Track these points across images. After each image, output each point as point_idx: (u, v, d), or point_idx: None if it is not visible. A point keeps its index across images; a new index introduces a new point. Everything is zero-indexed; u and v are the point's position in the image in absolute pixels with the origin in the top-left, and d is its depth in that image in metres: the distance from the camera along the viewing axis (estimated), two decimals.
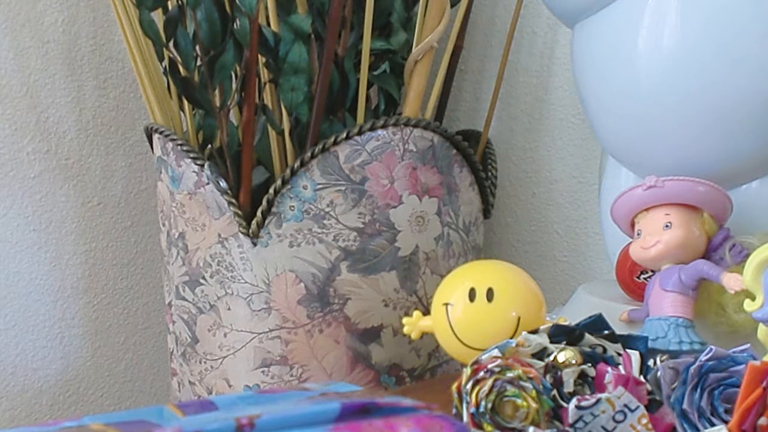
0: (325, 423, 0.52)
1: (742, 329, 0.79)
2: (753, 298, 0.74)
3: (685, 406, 0.65)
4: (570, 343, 0.72)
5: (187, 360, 1.04)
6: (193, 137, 1.05)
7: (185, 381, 1.05)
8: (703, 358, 0.66)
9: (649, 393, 0.67)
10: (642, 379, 0.68)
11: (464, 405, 0.67)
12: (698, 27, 0.85)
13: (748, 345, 0.67)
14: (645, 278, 0.87)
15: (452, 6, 1.03)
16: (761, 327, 0.74)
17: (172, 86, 1.05)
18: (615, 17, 0.89)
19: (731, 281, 0.76)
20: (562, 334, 0.72)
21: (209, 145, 1.03)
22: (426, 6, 1.00)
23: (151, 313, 1.29)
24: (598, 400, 0.64)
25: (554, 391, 0.69)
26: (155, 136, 1.05)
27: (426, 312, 0.84)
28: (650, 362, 0.70)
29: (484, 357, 0.70)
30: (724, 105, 0.85)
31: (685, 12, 0.85)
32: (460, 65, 1.15)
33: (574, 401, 0.64)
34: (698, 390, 0.66)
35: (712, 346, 0.66)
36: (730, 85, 0.85)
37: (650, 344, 0.75)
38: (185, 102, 1.03)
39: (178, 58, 0.98)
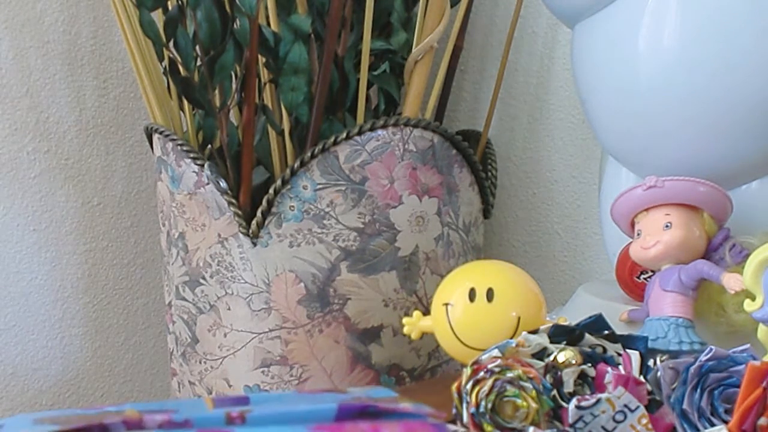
0: (317, 422, 0.52)
1: (742, 329, 0.79)
2: (753, 298, 0.74)
3: (685, 406, 0.65)
4: (570, 343, 0.72)
5: (187, 360, 1.04)
6: (193, 137, 1.05)
7: (185, 381, 1.05)
8: (703, 358, 0.66)
9: (649, 393, 0.67)
10: (642, 379, 0.68)
11: (464, 405, 0.67)
12: (698, 27, 0.85)
13: (748, 345, 0.67)
14: (645, 278, 0.87)
15: (452, 6, 1.03)
16: (761, 327, 0.74)
17: (172, 86, 1.05)
18: (615, 17, 0.89)
19: (731, 281, 0.76)
20: (562, 334, 0.72)
21: (209, 145, 1.03)
22: (426, 6, 1.00)
23: (151, 313, 1.29)
24: (598, 400, 0.64)
25: (554, 391, 0.69)
26: (155, 136, 1.05)
27: (426, 312, 0.84)
28: (650, 362, 0.70)
29: (484, 357, 0.70)
30: (724, 105, 0.85)
31: (685, 12, 0.85)
32: (460, 65, 1.15)
33: (574, 401, 0.64)
34: (698, 390, 0.66)
35: (712, 346, 0.66)
36: (729, 85, 0.85)
37: (650, 344, 0.75)
38: (185, 102, 1.03)
39: (178, 58, 0.98)
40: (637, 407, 0.64)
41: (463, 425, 0.67)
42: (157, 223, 1.09)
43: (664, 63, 0.86)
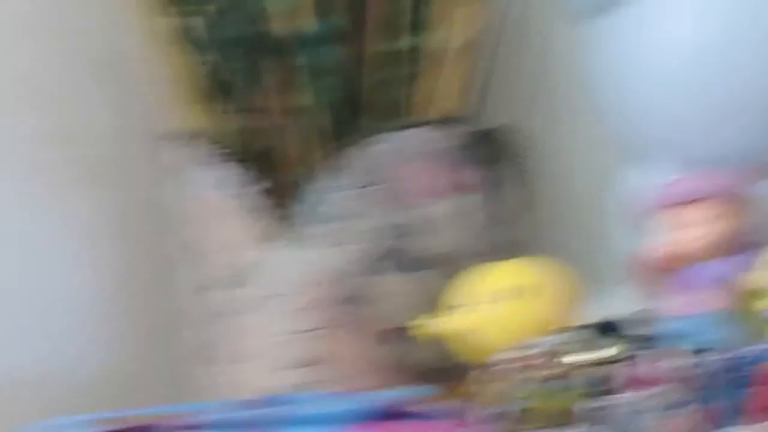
0: (350, 422, 0.53)
1: None
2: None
3: (708, 404, 0.65)
4: (591, 343, 0.71)
5: (211, 363, 1.05)
6: (222, 140, 1.05)
7: (209, 384, 1.06)
8: (729, 355, 0.66)
9: (671, 391, 0.66)
10: (663, 377, 0.67)
11: (484, 405, 0.68)
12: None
13: None
14: (671, 275, 0.86)
15: None
16: None
17: (204, 88, 1.05)
18: (636, 9, 0.88)
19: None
20: (582, 334, 0.72)
21: (238, 147, 1.03)
22: (453, 3, 1.00)
23: (161, 315, 1.29)
24: (617, 400, 0.64)
25: (573, 391, 0.68)
26: (181, 140, 1.06)
27: (450, 313, 0.83)
28: (672, 360, 0.69)
29: (503, 357, 0.70)
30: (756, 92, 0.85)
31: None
32: (493, 61, 1.14)
33: (592, 400, 0.65)
34: (723, 388, 0.66)
35: (740, 344, 0.67)
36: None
37: (674, 342, 0.74)
38: (216, 104, 1.03)
39: (212, 60, 0.99)
40: (656, 406, 0.64)
41: (486, 425, 0.67)
42: (175, 227, 1.09)
43: (698, 54, 0.86)
